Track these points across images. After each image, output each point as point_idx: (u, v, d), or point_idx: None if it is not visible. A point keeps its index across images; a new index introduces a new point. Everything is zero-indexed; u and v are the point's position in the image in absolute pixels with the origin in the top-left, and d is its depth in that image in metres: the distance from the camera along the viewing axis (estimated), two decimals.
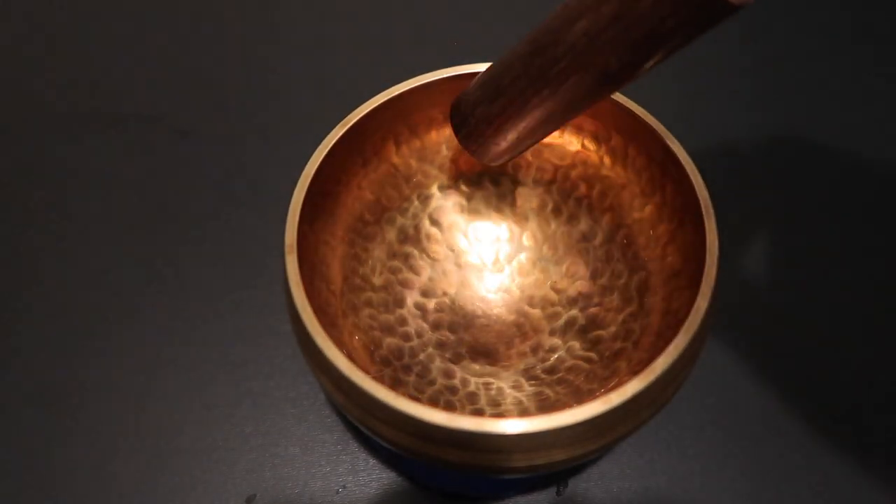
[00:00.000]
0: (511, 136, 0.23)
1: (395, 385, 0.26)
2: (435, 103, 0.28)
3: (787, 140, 0.38)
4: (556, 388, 0.26)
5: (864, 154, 0.38)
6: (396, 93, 0.27)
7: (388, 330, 0.28)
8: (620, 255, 0.28)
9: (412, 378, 0.26)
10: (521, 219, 0.30)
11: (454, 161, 0.30)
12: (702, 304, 0.21)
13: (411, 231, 0.30)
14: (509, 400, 0.26)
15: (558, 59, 0.18)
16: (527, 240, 0.30)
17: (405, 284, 0.29)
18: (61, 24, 0.44)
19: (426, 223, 0.30)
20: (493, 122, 0.22)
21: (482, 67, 0.27)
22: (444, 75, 0.27)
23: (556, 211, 0.30)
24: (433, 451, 0.20)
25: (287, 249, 0.22)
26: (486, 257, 0.30)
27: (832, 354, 0.31)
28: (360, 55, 0.42)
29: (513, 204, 0.30)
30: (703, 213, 0.23)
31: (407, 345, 0.28)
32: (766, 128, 0.39)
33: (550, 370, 0.27)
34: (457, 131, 0.25)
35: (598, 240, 0.29)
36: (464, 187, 0.30)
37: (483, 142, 0.24)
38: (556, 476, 0.28)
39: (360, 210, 0.28)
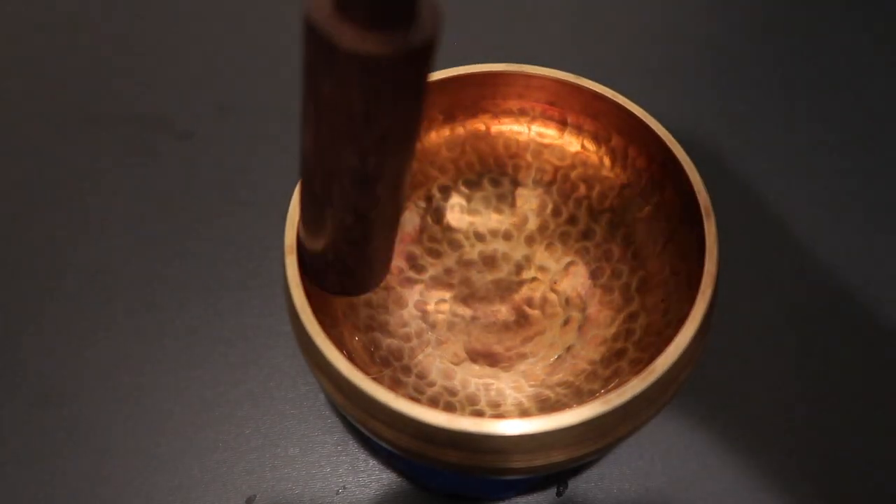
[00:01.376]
0: (345, 265, 0.21)
1: (395, 386, 0.26)
2: (434, 104, 0.28)
3: (787, 140, 0.38)
4: (557, 388, 0.26)
5: (865, 154, 0.38)
6: None
7: (388, 330, 0.28)
8: (620, 256, 0.28)
9: (412, 379, 0.26)
10: (520, 219, 0.30)
11: (454, 162, 0.30)
12: (702, 304, 0.21)
13: (411, 232, 0.30)
14: (509, 401, 0.26)
15: (314, 175, 0.17)
16: (527, 240, 0.30)
17: (405, 285, 0.29)
18: (61, 25, 0.44)
19: (426, 224, 0.30)
20: (320, 259, 0.21)
21: (482, 68, 0.27)
22: (444, 75, 0.27)
23: (556, 211, 0.30)
24: (433, 452, 0.20)
25: (287, 249, 0.22)
26: (486, 258, 0.30)
27: (833, 354, 0.31)
28: None
29: (512, 205, 0.30)
30: (703, 213, 0.23)
31: (407, 345, 0.28)
32: (767, 128, 0.39)
33: (550, 371, 0.27)
34: (313, 282, 0.23)
35: (598, 240, 0.29)
36: (463, 188, 0.30)
37: (332, 280, 0.22)
38: (556, 477, 0.28)
39: None
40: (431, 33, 0.12)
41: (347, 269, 0.21)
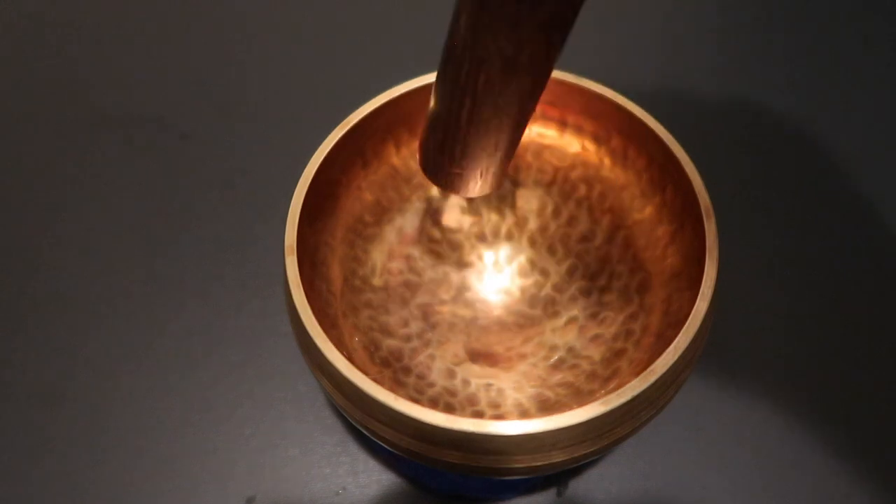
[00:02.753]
0: (470, 161, 0.21)
1: (395, 386, 0.26)
2: None
3: (787, 141, 0.38)
4: (557, 389, 0.26)
5: (865, 153, 0.38)
6: (397, 94, 0.27)
7: (388, 331, 0.28)
8: (620, 257, 0.28)
9: (412, 379, 0.26)
10: (521, 220, 0.30)
11: None
12: (702, 305, 0.21)
13: (411, 233, 0.30)
14: (509, 401, 0.26)
15: (461, 63, 0.17)
16: (527, 241, 0.30)
17: (405, 286, 0.29)
18: (61, 25, 0.44)
19: (426, 225, 0.30)
20: (446, 152, 0.22)
21: None
22: None
23: (556, 212, 0.30)
24: (433, 453, 0.20)
25: (287, 250, 0.23)
26: (487, 259, 0.30)
27: (833, 355, 0.31)
28: (360, 56, 0.42)
29: (513, 205, 0.30)
30: (703, 214, 0.23)
31: (407, 346, 0.28)
32: (767, 128, 0.39)
33: (550, 371, 0.27)
34: (429, 176, 0.24)
35: (598, 241, 0.29)
36: None
37: (451, 176, 0.23)
38: (557, 477, 0.28)
39: (360, 211, 0.28)
40: None
41: (463, 155, 0.21)
